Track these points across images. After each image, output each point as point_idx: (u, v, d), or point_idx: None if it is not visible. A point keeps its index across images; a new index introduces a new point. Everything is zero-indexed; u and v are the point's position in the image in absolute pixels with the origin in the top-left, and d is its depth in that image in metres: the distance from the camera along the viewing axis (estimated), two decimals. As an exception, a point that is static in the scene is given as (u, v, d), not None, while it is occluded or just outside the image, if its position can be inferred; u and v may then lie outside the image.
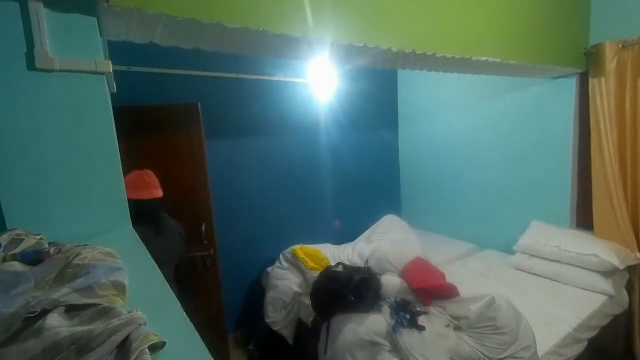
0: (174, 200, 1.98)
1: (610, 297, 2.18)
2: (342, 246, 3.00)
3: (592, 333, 2.04)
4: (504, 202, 2.97)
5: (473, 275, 2.55)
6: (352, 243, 3.07)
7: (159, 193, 1.81)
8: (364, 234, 3.21)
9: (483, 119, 3.03)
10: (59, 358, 0.42)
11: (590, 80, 2.38)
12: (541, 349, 1.73)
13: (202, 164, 2.28)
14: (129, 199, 1.04)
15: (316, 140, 3.22)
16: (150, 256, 0.83)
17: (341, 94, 3.27)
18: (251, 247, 2.93)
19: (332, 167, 3.32)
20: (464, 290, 1.97)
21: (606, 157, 2.33)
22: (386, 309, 1.89)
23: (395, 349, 1.70)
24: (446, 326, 1.78)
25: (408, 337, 1.68)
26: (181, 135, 2.25)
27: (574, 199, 2.62)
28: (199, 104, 2.25)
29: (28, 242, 0.70)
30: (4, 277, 0.56)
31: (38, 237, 0.74)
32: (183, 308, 0.61)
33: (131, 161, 1.33)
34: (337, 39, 1.35)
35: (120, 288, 0.58)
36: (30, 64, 0.87)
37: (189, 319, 0.58)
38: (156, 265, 0.78)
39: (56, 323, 0.45)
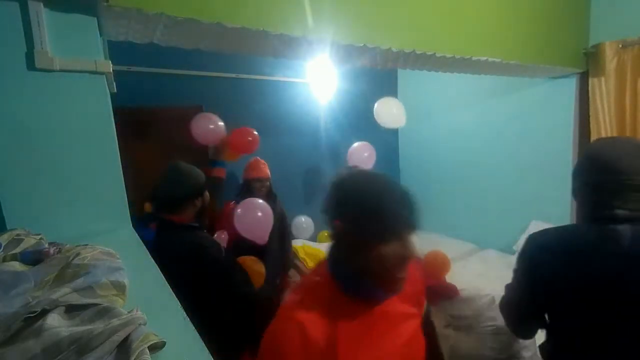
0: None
1: (610, 297, 2.18)
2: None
3: (592, 333, 2.03)
4: (504, 202, 2.97)
5: (473, 275, 2.55)
6: (352, 243, 3.07)
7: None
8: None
9: (483, 119, 3.03)
10: (59, 358, 0.41)
11: (590, 80, 2.37)
12: (541, 349, 1.72)
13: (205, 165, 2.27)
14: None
15: (316, 140, 3.22)
16: (150, 256, 0.83)
17: (341, 94, 3.26)
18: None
19: (332, 166, 3.32)
20: (464, 290, 1.96)
21: (606, 157, 2.32)
22: (386, 309, 1.88)
23: (395, 349, 1.70)
24: (446, 326, 1.78)
25: (408, 337, 1.67)
26: (184, 137, 2.26)
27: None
28: (203, 106, 2.25)
29: (28, 242, 0.70)
30: (4, 277, 0.56)
31: (38, 237, 0.74)
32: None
33: (135, 162, 1.33)
34: (337, 39, 1.35)
35: (120, 288, 0.58)
36: (30, 64, 0.87)
37: (188, 319, 0.58)
38: (156, 265, 0.78)
39: (56, 323, 0.45)
